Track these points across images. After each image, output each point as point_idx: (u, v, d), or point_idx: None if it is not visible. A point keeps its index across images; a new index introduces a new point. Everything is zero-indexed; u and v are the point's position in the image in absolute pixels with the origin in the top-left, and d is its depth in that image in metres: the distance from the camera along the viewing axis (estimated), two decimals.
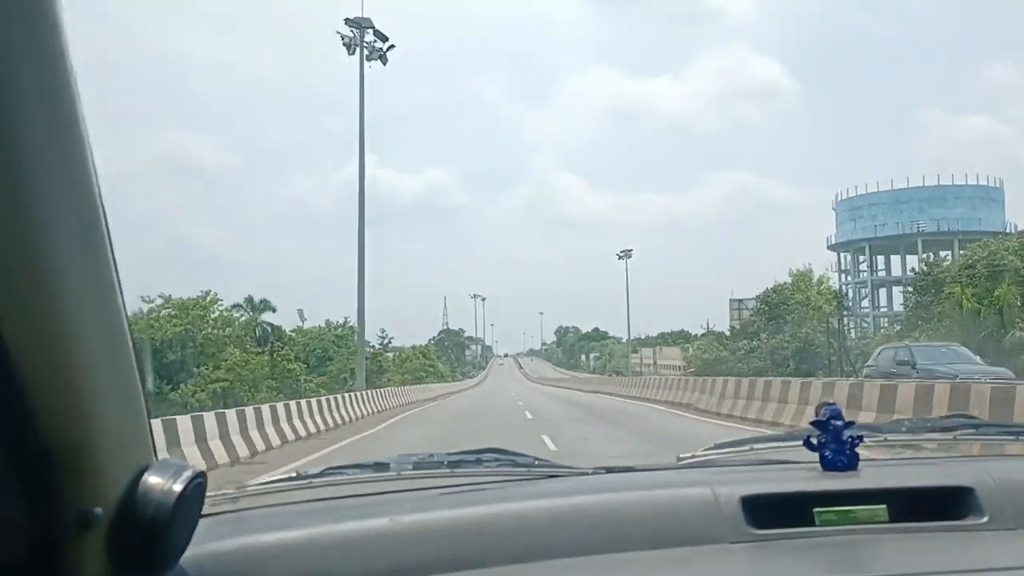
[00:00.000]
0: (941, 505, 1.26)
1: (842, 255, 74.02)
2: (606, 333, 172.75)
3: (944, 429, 1.68)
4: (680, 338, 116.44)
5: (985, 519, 1.23)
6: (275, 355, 47.94)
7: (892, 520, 1.24)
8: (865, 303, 71.01)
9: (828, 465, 1.39)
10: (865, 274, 72.09)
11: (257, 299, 59.22)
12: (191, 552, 0.98)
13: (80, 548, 0.78)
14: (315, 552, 1.14)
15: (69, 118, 0.70)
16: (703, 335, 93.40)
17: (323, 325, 66.16)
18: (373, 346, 62.42)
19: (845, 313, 53.58)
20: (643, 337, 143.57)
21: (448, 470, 1.53)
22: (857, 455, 1.40)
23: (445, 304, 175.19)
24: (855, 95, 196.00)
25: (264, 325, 59.15)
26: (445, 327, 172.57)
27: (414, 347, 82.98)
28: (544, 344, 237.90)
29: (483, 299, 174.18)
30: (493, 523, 1.22)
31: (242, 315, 56.65)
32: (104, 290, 0.78)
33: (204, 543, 1.08)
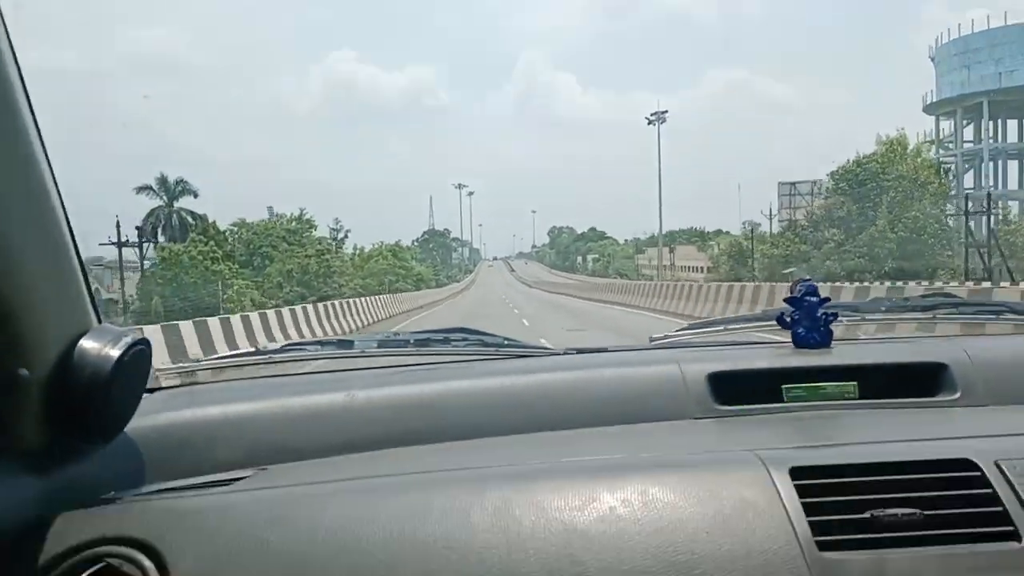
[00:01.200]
0: (913, 382, 1.26)
1: (940, 121, 54.92)
2: (604, 233, 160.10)
3: (924, 308, 1.61)
4: (695, 236, 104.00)
5: (957, 395, 1.23)
6: (194, 251, 35.21)
7: (862, 397, 1.24)
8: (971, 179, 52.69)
9: (800, 342, 1.38)
10: (971, 144, 53.20)
11: (173, 180, 45.48)
12: (138, 422, 0.99)
13: (11, 408, 0.79)
14: (267, 425, 1.13)
15: None
16: (721, 233, 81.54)
17: (269, 218, 52.56)
18: (322, 240, 49.51)
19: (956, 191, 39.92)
20: (644, 237, 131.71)
21: (414, 348, 1.50)
22: (831, 332, 1.38)
23: (431, 204, 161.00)
24: None
25: (182, 214, 45.72)
26: (431, 228, 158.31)
27: (382, 244, 67.32)
28: (535, 247, 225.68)
29: (470, 192, 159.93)
30: (454, 399, 1.20)
31: (153, 199, 43.60)
32: (28, 155, 0.77)
33: (152, 414, 1.08)
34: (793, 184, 55.21)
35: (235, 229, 48.37)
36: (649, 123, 55.70)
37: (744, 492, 0.86)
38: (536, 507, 0.85)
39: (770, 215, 55.92)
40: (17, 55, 0.76)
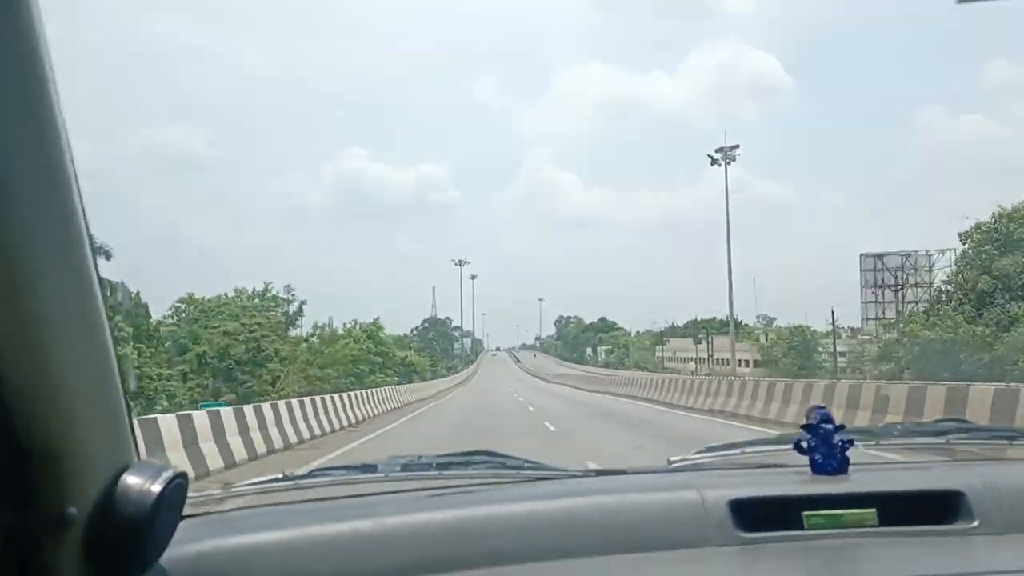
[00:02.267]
0: (931, 510, 1.27)
1: None
2: (614, 324, 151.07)
3: (937, 433, 1.63)
4: (712, 328, 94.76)
5: (975, 523, 1.24)
6: None
7: (882, 524, 1.25)
8: None
9: (818, 469, 1.39)
10: None
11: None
12: (172, 552, 0.99)
13: (56, 548, 0.78)
14: (297, 553, 1.15)
15: (46, 115, 0.70)
16: (742, 325, 72.59)
17: (234, 293, 43.31)
18: (270, 317, 37.49)
19: None
20: (649, 331, 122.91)
21: (436, 472, 1.51)
22: (847, 459, 1.39)
23: (434, 294, 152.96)
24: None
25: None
26: (433, 316, 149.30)
27: (354, 324, 52.45)
28: (539, 338, 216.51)
29: (472, 276, 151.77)
30: (479, 525, 1.22)
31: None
32: (83, 289, 0.77)
33: (185, 543, 1.09)
34: (879, 256, 44.90)
35: (181, 306, 39.05)
36: (713, 163, 43.50)
37: None
38: None
39: (868, 298, 44.98)
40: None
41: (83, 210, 0.75)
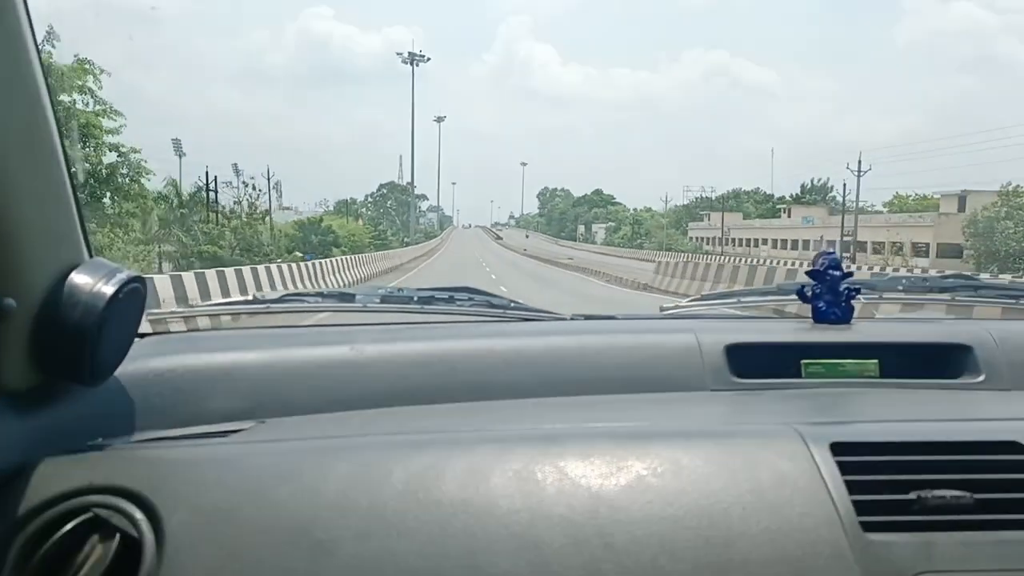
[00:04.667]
0: (936, 363, 1.24)
1: None
2: (612, 197, 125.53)
3: (944, 289, 1.57)
4: (763, 200, 70.72)
5: (981, 378, 1.21)
6: None
7: (883, 376, 1.22)
8: None
9: (820, 317, 1.35)
10: None
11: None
12: (129, 367, 0.96)
13: None
14: (267, 376, 1.09)
15: None
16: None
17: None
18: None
19: None
20: (649, 208, 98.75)
21: (418, 305, 1.44)
22: (852, 308, 1.36)
23: (400, 163, 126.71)
24: None
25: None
26: (391, 183, 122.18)
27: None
28: (512, 217, 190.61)
29: (439, 119, 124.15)
30: (460, 359, 1.18)
31: None
32: (22, 70, 0.74)
33: (146, 359, 1.04)
34: None
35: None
36: None
37: (781, 465, 0.80)
38: (561, 473, 0.79)
39: None
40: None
41: (27, 5, 0.72)
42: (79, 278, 0.79)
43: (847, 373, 1.20)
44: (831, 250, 1.44)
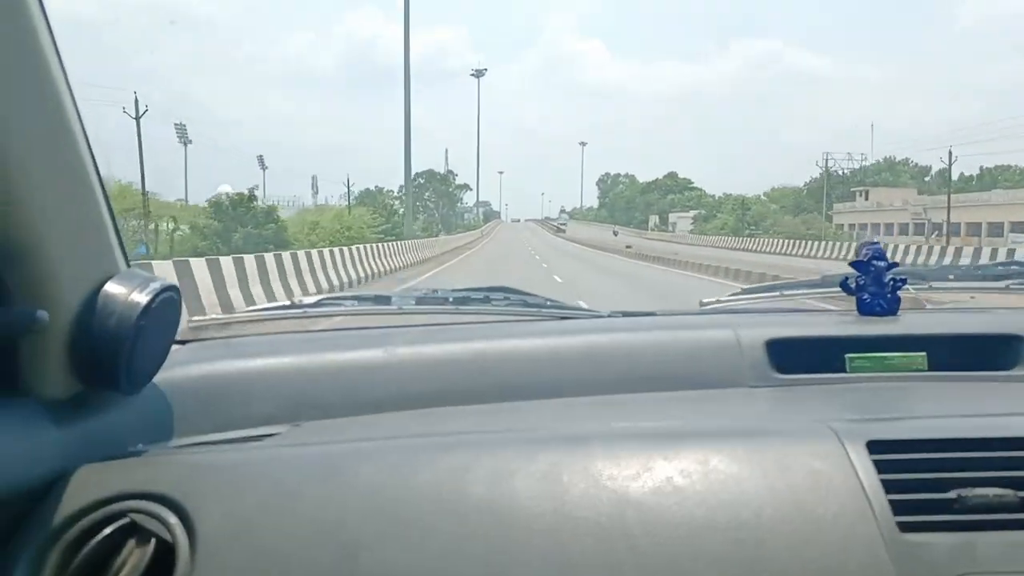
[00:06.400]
0: (987, 354, 1.19)
1: None
2: (689, 181, 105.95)
3: (996, 277, 1.52)
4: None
5: None
6: None
7: (931, 369, 1.18)
8: None
9: (866, 309, 1.31)
10: None
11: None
12: (166, 374, 0.97)
13: (34, 354, 0.77)
14: (302, 380, 1.10)
15: None
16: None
17: None
18: None
19: None
20: (728, 194, 79.27)
21: (454, 307, 1.45)
22: (898, 299, 1.31)
23: (446, 157, 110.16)
24: None
25: None
26: (429, 171, 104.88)
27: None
28: (564, 211, 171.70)
29: (478, 73, 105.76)
30: (495, 359, 1.17)
31: None
32: (54, 89, 0.75)
33: (182, 366, 1.06)
34: None
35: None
36: None
37: (815, 465, 0.78)
38: (587, 474, 0.78)
39: None
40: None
41: (48, 22, 0.72)
42: (114, 288, 0.81)
43: (893, 367, 1.17)
44: (875, 241, 1.37)
